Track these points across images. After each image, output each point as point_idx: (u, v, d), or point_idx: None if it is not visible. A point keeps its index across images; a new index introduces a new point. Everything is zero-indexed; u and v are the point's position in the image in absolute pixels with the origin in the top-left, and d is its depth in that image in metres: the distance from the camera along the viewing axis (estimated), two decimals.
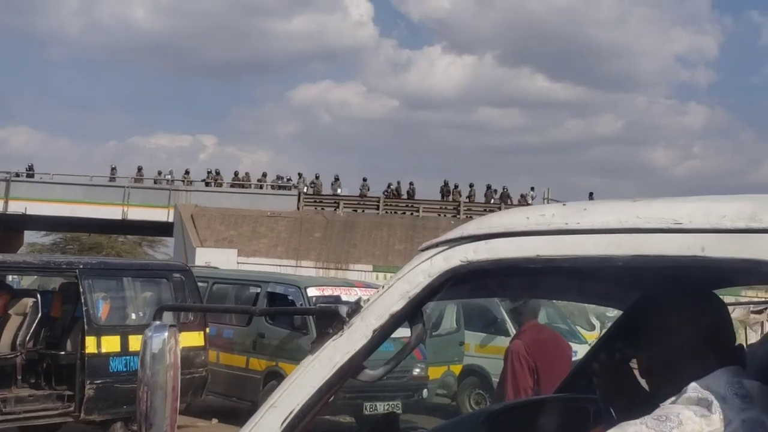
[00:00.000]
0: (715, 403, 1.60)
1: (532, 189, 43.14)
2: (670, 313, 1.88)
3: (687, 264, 1.63)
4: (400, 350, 1.93)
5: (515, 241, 1.78)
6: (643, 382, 2.29)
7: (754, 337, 19.40)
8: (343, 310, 1.88)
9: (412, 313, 1.85)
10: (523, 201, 40.45)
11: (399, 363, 1.97)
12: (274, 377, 12.65)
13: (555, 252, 1.74)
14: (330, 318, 1.89)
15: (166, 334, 1.97)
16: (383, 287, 1.89)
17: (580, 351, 11.67)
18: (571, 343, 8.32)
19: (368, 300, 1.89)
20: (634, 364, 2.63)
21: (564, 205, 1.83)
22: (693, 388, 1.65)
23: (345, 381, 1.87)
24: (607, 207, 1.79)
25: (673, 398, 1.66)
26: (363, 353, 1.85)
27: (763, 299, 19.74)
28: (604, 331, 7.36)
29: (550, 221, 1.76)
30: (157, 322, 2.01)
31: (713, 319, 1.88)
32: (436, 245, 1.86)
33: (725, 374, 1.71)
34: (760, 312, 20.91)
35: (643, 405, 1.97)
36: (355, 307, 1.88)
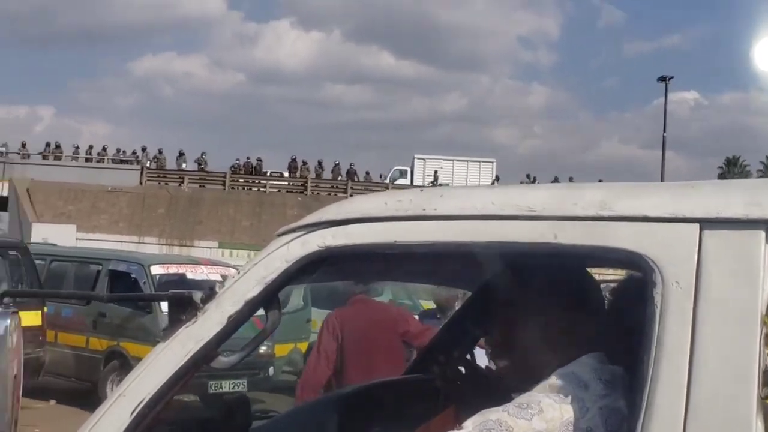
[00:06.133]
0: (577, 391, 1.63)
1: None
2: (537, 292, 1.84)
3: (540, 250, 1.66)
4: (255, 336, 1.90)
5: (373, 226, 1.77)
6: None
7: None
8: (197, 296, 1.83)
9: (268, 298, 1.82)
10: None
11: (254, 349, 1.95)
12: (116, 357, 12.34)
13: (412, 238, 1.74)
14: (183, 304, 1.84)
15: (8, 321, 1.89)
16: (239, 272, 1.86)
17: None
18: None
19: (223, 286, 1.85)
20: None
21: (422, 190, 1.84)
22: (557, 374, 1.67)
23: (198, 369, 1.83)
24: (463, 193, 1.81)
25: (536, 384, 1.68)
26: (217, 340, 1.81)
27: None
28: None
29: (408, 207, 1.77)
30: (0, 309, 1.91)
31: (586, 300, 1.86)
32: (294, 230, 1.83)
33: (592, 360, 1.73)
34: None
35: (491, 389, 2.01)
36: (210, 293, 1.83)
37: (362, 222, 1.79)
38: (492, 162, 47.05)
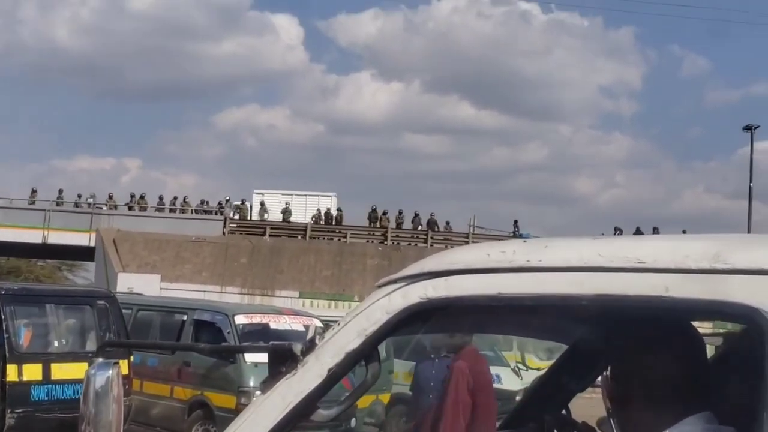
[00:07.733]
0: None
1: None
2: (643, 348, 1.75)
3: (650, 304, 1.61)
4: (355, 389, 1.87)
5: (476, 278, 1.74)
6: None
7: None
8: (297, 347, 1.82)
9: (368, 351, 1.80)
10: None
11: (353, 403, 1.92)
12: (200, 407, 12.43)
13: (517, 290, 1.70)
14: (283, 356, 1.82)
15: (110, 371, 1.90)
16: (339, 324, 1.84)
17: (502, 374, 11.97)
18: (495, 367, 8.71)
19: (323, 337, 1.83)
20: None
21: (525, 241, 1.81)
22: None
23: (298, 422, 1.81)
24: (568, 244, 1.77)
25: None
26: (317, 393, 1.78)
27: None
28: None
29: (512, 258, 1.73)
30: (101, 360, 1.94)
31: (693, 355, 1.76)
32: (395, 281, 1.81)
33: (700, 421, 1.65)
34: None
35: None
36: (310, 345, 1.81)
37: (464, 273, 1.76)
38: (331, 196, 46.18)
